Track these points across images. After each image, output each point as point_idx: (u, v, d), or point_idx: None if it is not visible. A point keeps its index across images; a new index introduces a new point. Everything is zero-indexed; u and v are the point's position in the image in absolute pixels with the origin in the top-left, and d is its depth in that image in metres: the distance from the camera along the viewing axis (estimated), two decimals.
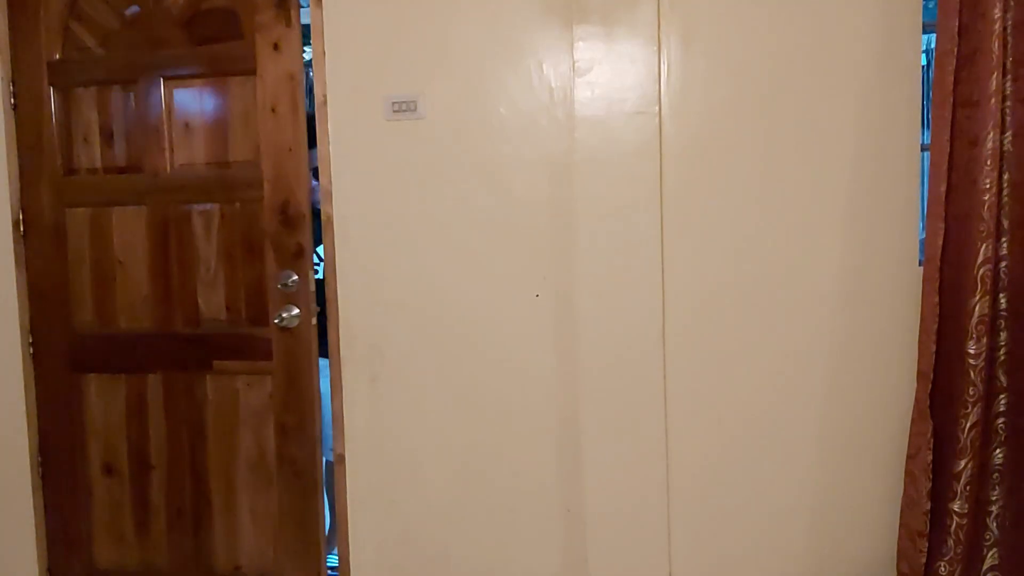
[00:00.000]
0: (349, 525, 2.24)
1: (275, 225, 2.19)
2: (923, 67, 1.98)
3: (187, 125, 2.25)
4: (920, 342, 1.85)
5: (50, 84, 2.30)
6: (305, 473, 2.25)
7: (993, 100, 1.74)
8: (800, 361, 2.02)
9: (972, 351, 1.79)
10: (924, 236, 1.87)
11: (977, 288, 1.78)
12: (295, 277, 2.19)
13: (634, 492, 2.08)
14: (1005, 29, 1.73)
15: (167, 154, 2.25)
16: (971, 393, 1.80)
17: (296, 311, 2.19)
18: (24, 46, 2.30)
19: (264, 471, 2.28)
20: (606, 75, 2.00)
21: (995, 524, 1.86)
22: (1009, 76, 1.75)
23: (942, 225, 1.80)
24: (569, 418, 2.10)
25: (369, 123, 2.12)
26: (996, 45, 1.73)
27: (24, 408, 2.35)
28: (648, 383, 2.05)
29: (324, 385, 2.61)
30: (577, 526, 2.12)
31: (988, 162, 1.75)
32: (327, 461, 2.74)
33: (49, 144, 2.31)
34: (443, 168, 2.10)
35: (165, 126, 2.25)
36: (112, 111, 2.29)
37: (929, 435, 1.84)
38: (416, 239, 2.13)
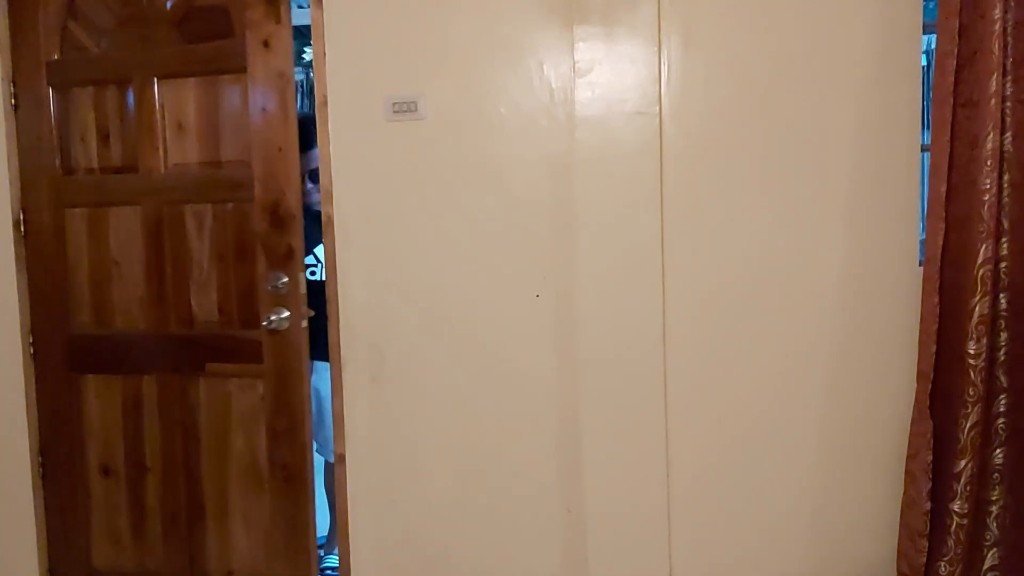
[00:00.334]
0: (349, 525, 2.23)
1: (265, 226, 2.17)
2: (923, 68, 1.98)
3: (180, 125, 2.23)
4: (920, 342, 1.85)
5: (49, 84, 2.29)
6: (296, 478, 2.22)
7: (993, 101, 1.74)
8: (800, 361, 2.02)
9: (972, 351, 1.79)
10: (924, 236, 1.87)
11: (977, 288, 1.78)
12: (285, 279, 2.16)
13: (634, 492, 2.08)
14: (1005, 30, 1.73)
15: (161, 154, 2.24)
16: (971, 393, 1.80)
17: (286, 314, 2.17)
18: (24, 46, 2.29)
19: (256, 475, 2.26)
20: (606, 75, 2.00)
21: (995, 524, 1.86)
22: (1009, 77, 1.75)
23: (942, 225, 1.80)
24: (569, 418, 2.10)
25: (369, 123, 2.12)
26: (996, 46, 1.73)
27: (24, 408, 2.35)
28: (648, 383, 2.05)
29: (325, 387, 2.61)
30: (577, 526, 2.12)
31: (988, 162, 1.75)
32: (328, 462, 2.74)
33: (48, 144, 2.31)
34: (443, 168, 2.10)
35: (159, 126, 2.23)
36: (108, 111, 2.28)
37: (929, 435, 1.84)
38: (416, 239, 2.13)
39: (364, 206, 2.15)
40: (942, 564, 1.86)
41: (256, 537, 2.28)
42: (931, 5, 1.91)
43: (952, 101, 1.77)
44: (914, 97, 1.93)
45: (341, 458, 2.23)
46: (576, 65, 2.01)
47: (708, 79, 1.99)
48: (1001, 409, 1.84)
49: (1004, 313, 1.82)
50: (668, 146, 2.00)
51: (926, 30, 1.96)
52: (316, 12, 2.13)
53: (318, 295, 2.29)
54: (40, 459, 2.38)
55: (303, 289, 2.18)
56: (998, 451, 1.85)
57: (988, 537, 1.87)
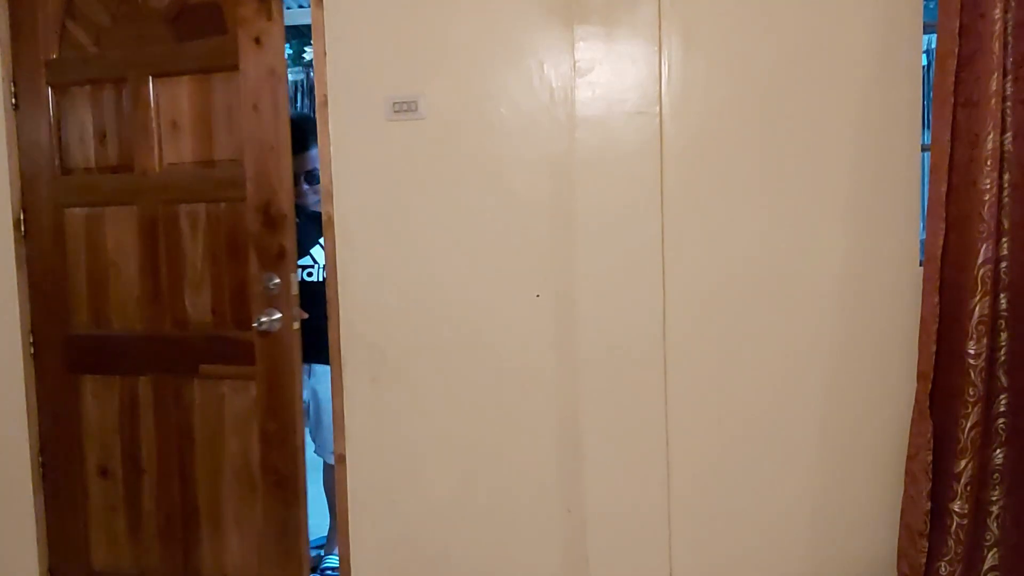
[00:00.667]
0: (349, 525, 2.23)
1: (258, 226, 2.14)
2: (923, 67, 1.98)
3: (175, 124, 2.22)
4: (920, 342, 1.85)
5: (48, 83, 2.29)
6: (287, 482, 2.20)
7: (993, 101, 1.74)
8: (800, 361, 2.02)
9: (972, 351, 1.79)
10: (924, 236, 1.87)
11: (977, 288, 1.78)
12: (277, 280, 2.13)
13: (634, 492, 2.08)
14: (1006, 30, 1.73)
15: (156, 153, 2.22)
16: (971, 393, 1.80)
17: (278, 315, 2.14)
18: (24, 45, 2.29)
19: (249, 479, 2.24)
20: (607, 75, 2.00)
21: (995, 524, 1.86)
22: (1009, 77, 1.75)
23: (943, 225, 1.80)
24: (569, 418, 2.10)
25: (370, 123, 2.11)
26: (996, 46, 1.73)
27: (25, 408, 2.35)
28: (649, 383, 2.05)
29: (323, 390, 2.61)
30: (577, 526, 2.12)
31: (988, 163, 1.75)
32: (326, 463, 2.74)
33: (48, 144, 2.30)
34: (444, 168, 2.10)
35: (154, 124, 2.22)
36: (105, 110, 2.27)
37: (929, 435, 1.84)
38: (416, 239, 2.13)
39: (364, 206, 2.15)
40: (942, 564, 1.86)
41: (249, 541, 2.26)
42: (931, 5, 1.91)
43: (952, 101, 1.77)
44: (914, 97, 1.93)
45: (341, 458, 2.23)
46: (576, 65, 2.01)
47: (708, 79, 1.99)
48: (1001, 409, 1.84)
49: (1004, 313, 1.82)
50: (668, 146, 2.00)
51: (926, 30, 1.96)
52: (316, 12, 2.13)
53: (316, 297, 2.29)
54: (40, 459, 2.38)
55: (295, 290, 2.15)
56: (998, 451, 1.85)
57: (988, 537, 1.87)
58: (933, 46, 1.82)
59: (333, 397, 2.21)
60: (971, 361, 1.79)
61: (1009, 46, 1.74)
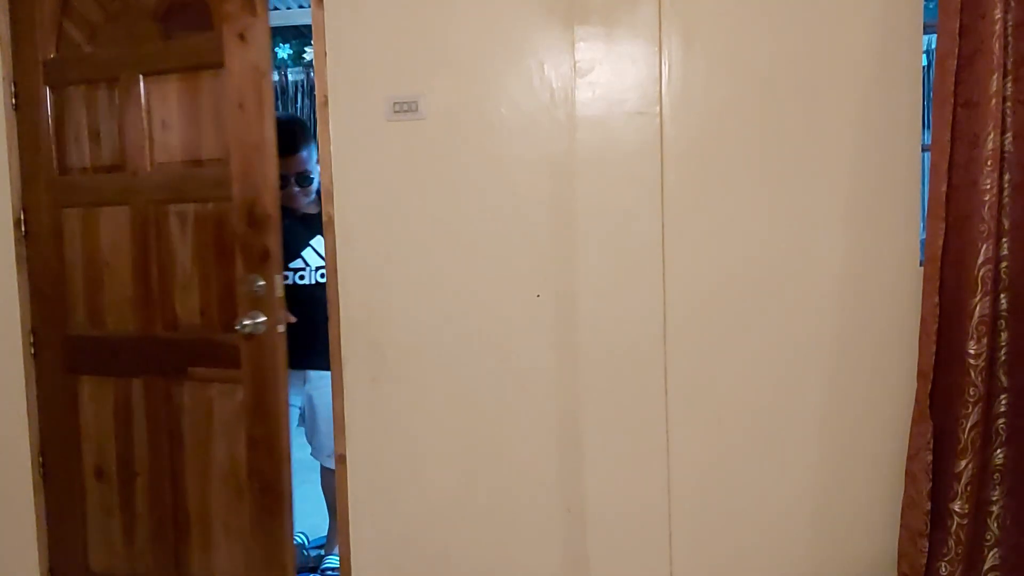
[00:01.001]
0: (349, 525, 2.23)
1: (243, 227, 2.10)
2: (923, 67, 1.98)
3: (164, 122, 2.19)
4: (920, 342, 1.85)
5: (45, 83, 2.28)
6: (271, 488, 2.15)
7: (994, 101, 1.74)
8: (801, 361, 2.02)
9: (972, 351, 1.79)
10: (925, 236, 1.87)
11: (978, 288, 1.78)
12: (262, 282, 2.08)
13: (635, 492, 2.08)
14: (1006, 30, 1.73)
15: (146, 152, 2.20)
16: (971, 393, 1.80)
17: (262, 318, 2.08)
18: (24, 45, 2.29)
19: (235, 483, 2.20)
20: (607, 75, 2.00)
21: (996, 524, 1.86)
22: (1010, 77, 1.75)
23: (943, 225, 1.80)
24: (569, 418, 2.10)
25: (370, 123, 2.11)
26: (997, 46, 1.73)
27: (25, 409, 2.35)
28: (649, 383, 2.05)
29: (318, 394, 2.61)
30: (577, 526, 2.12)
31: (988, 163, 1.76)
32: (325, 467, 2.73)
33: (46, 144, 2.29)
34: (444, 168, 2.10)
35: (144, 123, 2.20)
36: (99, 109, 2.26)
37: (929, 435, 1.84)
38: (417, 239, 2.13)
39: (364, 206, 2.15)
40: (942, 564, 1.86)
41: (236, 546, 2.22)
42: (931, 5, 1.92)
43: (952, 101, 1.77)
44: (914, 97, 1.93)
45: (341, 458, 2.22)
46: (577, 65, 2.01)
47: (708, 79, 1.99)
48: (1002, 409, 1.84)
49: (1004, 313, 1.82)
50: (668, 146, 2.00)
51: (926, 30, 1.96)
52: (316, 12, 2.13)
53: (309, 300, 2.27)
54: (40, 459, 2.38)
55: (280, 293, 2.10)
56: (999, 451, 1.85)
57: (989, 537, 1.87)
58: (933, 46, 1.82)
59: (333, 397, 2.21)
60: (971, 361, 1.79)
61: (1009, 46, 1.74)
